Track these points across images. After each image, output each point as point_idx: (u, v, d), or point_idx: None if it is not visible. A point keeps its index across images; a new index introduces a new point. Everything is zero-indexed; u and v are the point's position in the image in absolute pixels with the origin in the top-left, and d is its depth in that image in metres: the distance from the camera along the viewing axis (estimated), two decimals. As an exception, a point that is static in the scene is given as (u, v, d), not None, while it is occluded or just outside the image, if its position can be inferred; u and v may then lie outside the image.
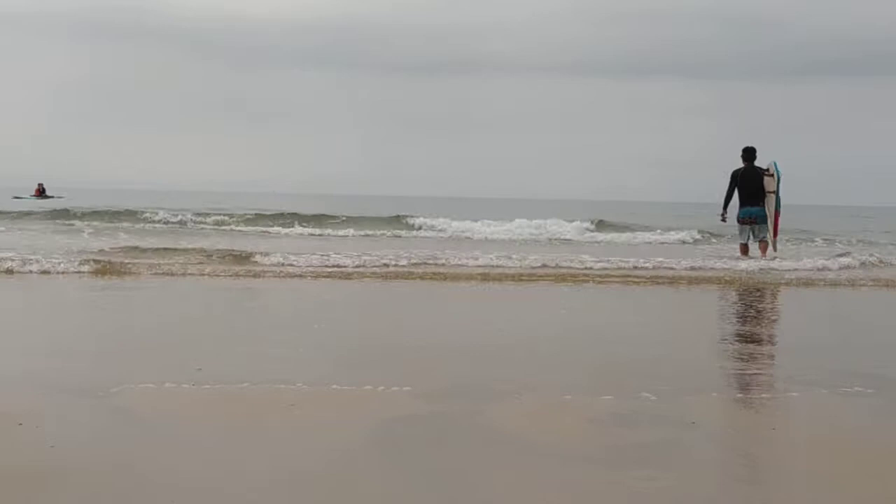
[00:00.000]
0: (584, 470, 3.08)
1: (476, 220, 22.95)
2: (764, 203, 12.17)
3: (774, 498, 2.87)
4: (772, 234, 12.39)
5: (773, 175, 12.21)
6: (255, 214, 26.16)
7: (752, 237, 12.43)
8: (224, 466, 3.07)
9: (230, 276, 9.73)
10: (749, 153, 12.26)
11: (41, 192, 42.08)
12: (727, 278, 10.25)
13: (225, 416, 3.72)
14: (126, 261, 10.56)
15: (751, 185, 12.14)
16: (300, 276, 9.90)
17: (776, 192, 12.20)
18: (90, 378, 4.34)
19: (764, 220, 12.22)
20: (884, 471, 3.14)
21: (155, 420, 3.62)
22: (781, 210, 12.52)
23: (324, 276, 9.87)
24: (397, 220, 24.29)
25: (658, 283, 9.80)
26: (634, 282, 9.89)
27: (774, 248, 12.60)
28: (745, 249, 12.54)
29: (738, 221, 12.38)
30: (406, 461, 3.19)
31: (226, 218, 24.53)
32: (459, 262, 11.39)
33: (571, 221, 23.05)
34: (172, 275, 9.62)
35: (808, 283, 10.22)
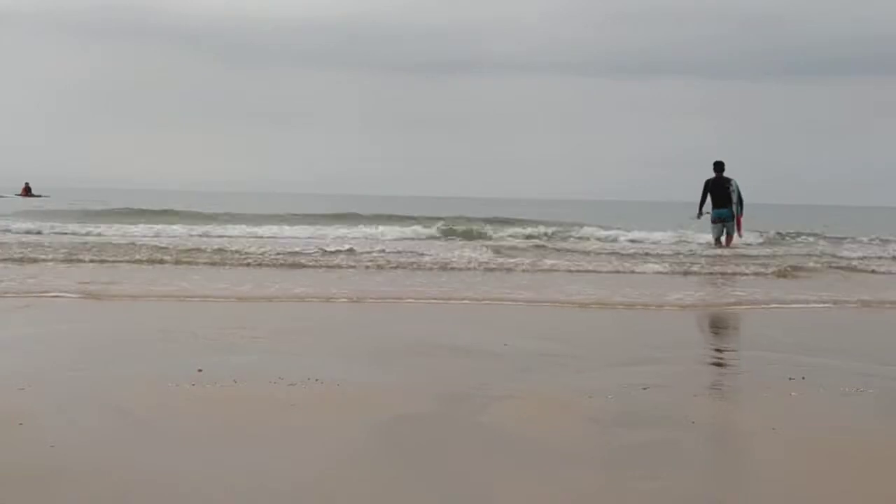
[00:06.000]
0: (584, 470, 3.08)
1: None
2: (730, 206, 14.86)
3: (774, 498, 2.87)
4: (737, 229, 15.21)
5: (734, 191, 14.85)
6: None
7: (722, 233, 15.13)
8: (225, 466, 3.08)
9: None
10: (718, 166, 14.86)
11: (28, 192, 42.32)
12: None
13: (224, 415, 3.72)
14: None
15: (720, 192, 14.80)
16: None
17: (739, 203, 15.00)
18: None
19: (731, 219, 14.94)
20: (884, 471, 3.14)
21: (154, 419, 3.63)
22: (744, 212, 15.35)
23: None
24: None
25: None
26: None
27: (740, 236, 15.55)
28: (717, 242, 15.19)
29: (711, 221, 15.11)
30: (407, 461, 3.18)
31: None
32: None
33: None
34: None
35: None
